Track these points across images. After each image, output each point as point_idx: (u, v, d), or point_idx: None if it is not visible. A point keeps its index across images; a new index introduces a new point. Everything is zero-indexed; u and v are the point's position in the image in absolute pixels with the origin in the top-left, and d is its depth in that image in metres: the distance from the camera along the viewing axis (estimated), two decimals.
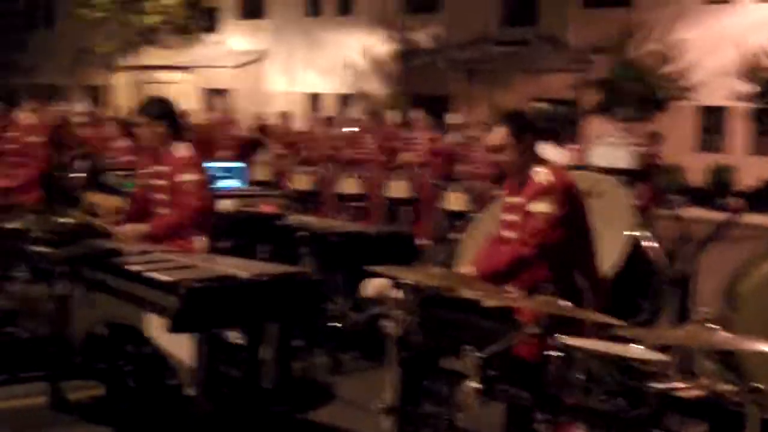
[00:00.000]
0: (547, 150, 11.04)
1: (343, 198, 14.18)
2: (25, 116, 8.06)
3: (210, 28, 31.40)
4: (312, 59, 29.33)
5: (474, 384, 3.61)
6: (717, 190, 20.69)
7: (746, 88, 21.30)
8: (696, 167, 22.49)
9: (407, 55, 27.26)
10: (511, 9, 26.80)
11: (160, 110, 5.81)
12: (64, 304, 5.27)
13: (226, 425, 4.81)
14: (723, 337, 3.29)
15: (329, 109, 28.08)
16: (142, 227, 5.65)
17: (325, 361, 6.23)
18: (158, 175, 5.76)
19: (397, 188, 13.42)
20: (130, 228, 5.65)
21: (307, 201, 13.30)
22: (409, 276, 3.95)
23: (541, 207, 4.37)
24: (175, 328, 4.51)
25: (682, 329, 3.39)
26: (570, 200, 4.45)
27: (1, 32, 36.00)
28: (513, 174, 4.64)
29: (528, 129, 4.62)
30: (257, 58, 30.44)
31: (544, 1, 26.09)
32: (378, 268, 4.05)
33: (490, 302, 4.00)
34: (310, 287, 5.12)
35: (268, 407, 4.94)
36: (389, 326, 3.87)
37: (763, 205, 17.73)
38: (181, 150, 5.74)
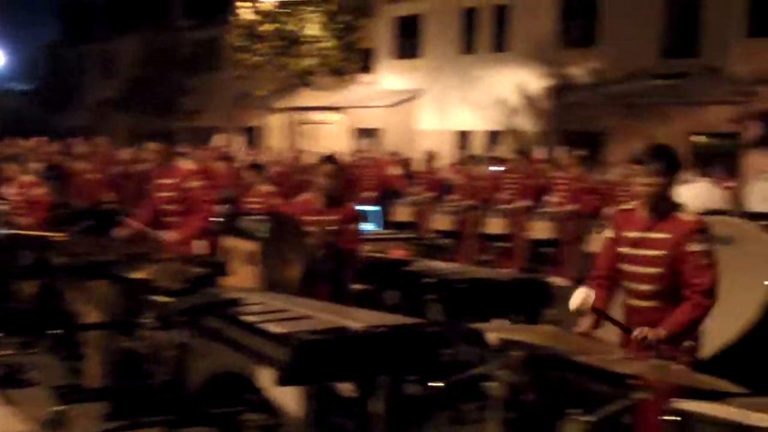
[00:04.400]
0: (700, 188, 10.43)
1: (487, 238, 13.98)
2: (183, 161, 8.13)
3: (365, 68, 31.84)
4: (465, 97, 29.29)
5: None
6: None
7: None
8: None
9: (562, 90, 26.84)
10: (671, 41, 25.97)
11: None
12: (183, 351, 5.30)
13: None
14: None
15: (478, 146, 27.95)
16: None
17: (446, 413, 6.02)
18: None
19: (541, 229, 13.13)
20: None
21: (442, 246, 13.16)
22: (517, 335, 3.73)
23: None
24: (285, 381, 4.44)
25: None
26: None
27: (164, 76, 37.70)
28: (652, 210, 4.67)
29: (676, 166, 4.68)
30: (410, 97, 30.64)
31: (706, 31, 25.17)
32: (486, 325, 3.85)
33: (618, 369, 3.64)
34: (427, 339, 4.95)
35: None
36: (492, 387, 3.66)
37: None
38: None
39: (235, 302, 5.11)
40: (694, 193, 9.45)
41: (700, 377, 3.51)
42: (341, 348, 4.59)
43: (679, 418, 3.41)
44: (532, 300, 6.91)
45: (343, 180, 17.85)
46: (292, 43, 28.74)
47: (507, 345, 3.78)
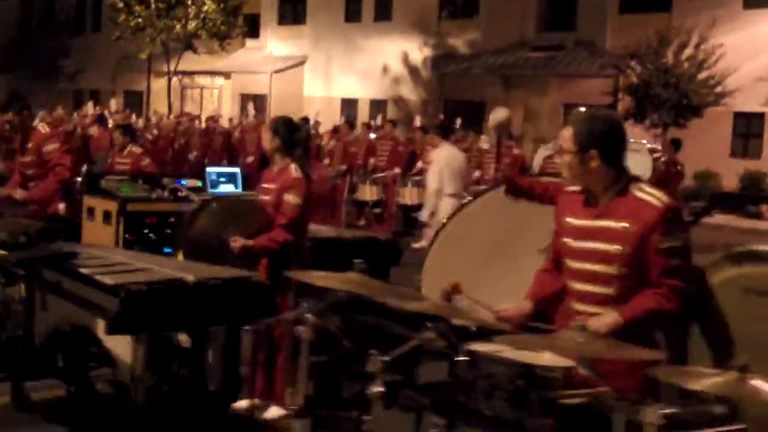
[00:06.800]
0: None
1: (360, 204, 14.29)
2: (41, 125, 8.15)
3: (251, 33, 31.69)
4: (350, 65, 29.50)
5: (377, 388, 3.64)
6: (750, 196, 20.40)
7: None
8: (730, 173, 22.20)
9: (443, 60, 27.28)
10: (549, 14, 26.70)
11: None
12: (25, 305, 5.40)
13: (168, 426, 4.90)
14: (601, 345, 3.31)
15: (363, 114, 28.24)
16: None
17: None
18: None
19: (410, 195, 13.48)
20: None
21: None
22: (323, 281, 3.99)
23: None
24: (113, 329, 4.60)
25: (566, 336, 3.40)
26: None
27: (47, 37, 36.73)
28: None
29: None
30: (296, 64, 30.68)
31: (582, 6, 25.95)
32: (294, 273, 4.10)
33: (408, 307, 3.98)
34: (261, 291, 5.18)
35: (213, 409, 5.01)
36: (301, 330, 3.91)
37: None
38: None
39: (73, 255, 5.22)
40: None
41: (486, 317, 3.82)
42: (171, 298, 4.77)
43: (469, 359, 3.69)
44: (379, 258, 7.18)
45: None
46: (173, 5, 28.38)
47: (317, 291, 4.03)
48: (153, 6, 28.29)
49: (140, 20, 28.68)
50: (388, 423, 3.82)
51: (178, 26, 28.61)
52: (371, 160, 14.98)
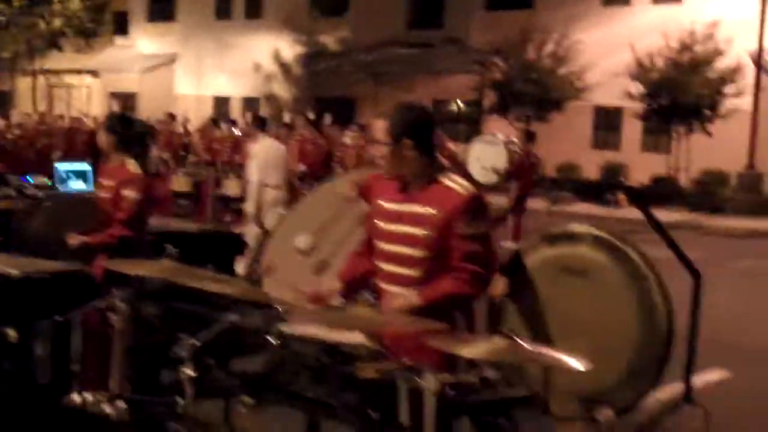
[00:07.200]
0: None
1: (225, 200, 14.29)
2: None
3: (119, 31, 31.19)
4: (221, 62, 29.34)
5: (189, 372, 3.73)
6: (608, 186, 21.18)
7: (638, 88, 21.81)
8: (591, 164, 23.01)
9: (314, 58, 27.40)
10: (417, 12, 27.14)
11: None
12: None
13: None
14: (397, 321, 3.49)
15: (236, 111, 28.14)
16: None
17: None
18: None
19: None
20: None
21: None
22: (136, 269, 4.06)
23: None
24: None
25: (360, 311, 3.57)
26: None
27: None
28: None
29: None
30: (166, 62, 30.34)
31: (449, 3, 26.46)
32: (108, 263, 4.15)
33: (217, 291, 4.06)
34: (91, 284, 5.20)
35: (43, 403, 5.01)
36: (114, 318, 3.98)
37: (651, 200, 18.21)
38: None
39: None
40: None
41: (295, 298, 3.97)
42: None
43: (278, 339, 3.82)
44: (223, 250, 7.29)
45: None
46: (37, 2, 27.68)
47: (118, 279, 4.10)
48: (15, 4, 27.51)
49: (2, 18, 27.87)
50: (200, 406, 3.92)
51: (42, 24, 27.92)
52: (236, 157, 14.99)
